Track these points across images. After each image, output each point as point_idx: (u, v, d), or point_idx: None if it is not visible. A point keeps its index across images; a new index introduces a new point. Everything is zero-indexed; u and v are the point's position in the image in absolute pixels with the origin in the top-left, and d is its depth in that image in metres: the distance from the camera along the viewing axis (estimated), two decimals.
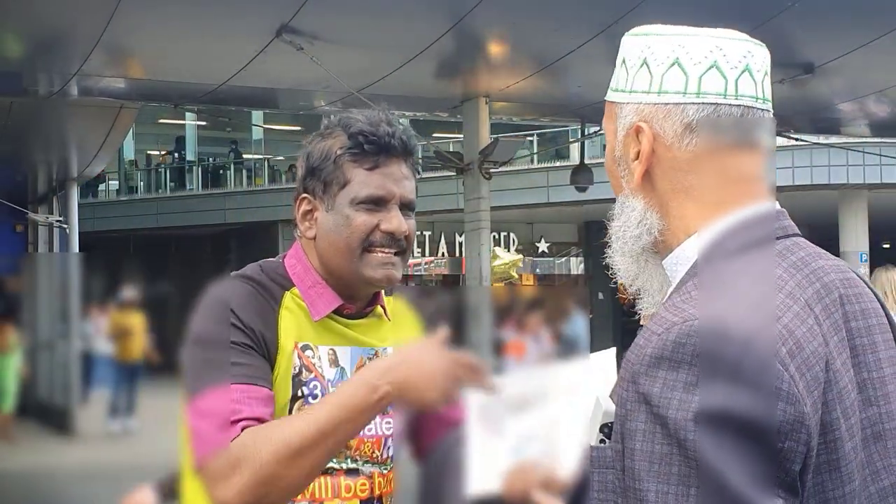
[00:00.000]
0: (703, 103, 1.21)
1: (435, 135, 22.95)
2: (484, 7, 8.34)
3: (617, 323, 26.08)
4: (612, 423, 1.14)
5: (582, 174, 14.95)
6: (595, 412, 1.20)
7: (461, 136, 12.57)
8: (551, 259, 28.15)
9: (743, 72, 1.22)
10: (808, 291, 1.13)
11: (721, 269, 1.14)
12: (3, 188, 16.46)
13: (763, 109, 1.23)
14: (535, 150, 23.20)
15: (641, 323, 1.68)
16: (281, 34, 8.78)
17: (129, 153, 29.70)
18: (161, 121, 29.46)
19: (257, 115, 24.75)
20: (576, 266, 28.44)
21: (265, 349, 1.81)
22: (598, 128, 14.69)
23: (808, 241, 1.23)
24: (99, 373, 12.37)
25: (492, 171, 11.54)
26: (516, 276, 18.46)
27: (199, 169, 29.10)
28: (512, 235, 26.79)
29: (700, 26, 1.28)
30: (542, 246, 27.86)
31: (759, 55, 1.24)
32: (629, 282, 1.34)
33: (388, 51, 9.64)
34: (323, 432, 1.62)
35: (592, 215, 25.63)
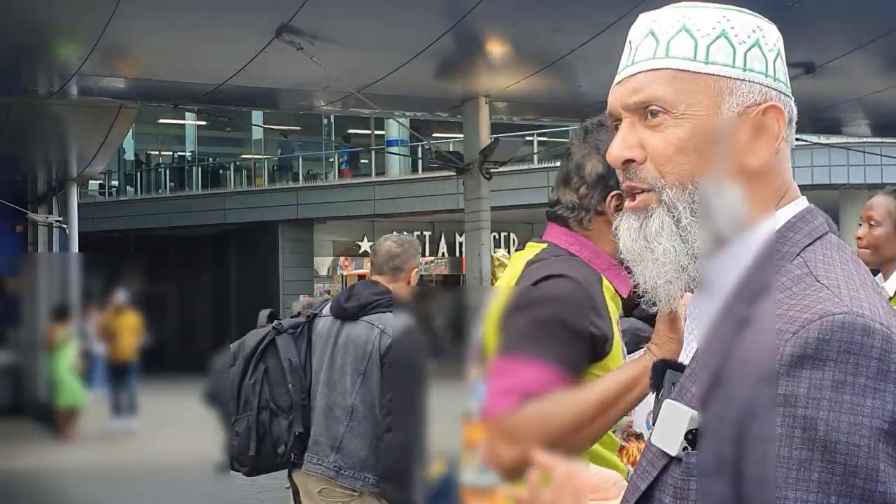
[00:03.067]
0: (785, 94, 1.18)
1: (435, 135, 22.96)
2: (484, 7, 8.34)
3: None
4: (695, 429, 1.08)
5: None
6: (674, 419, 1.12)
7: (461, 136, 12.56)
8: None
9: (776, 57, 1.20)
10: (874, 286, 1.12)
11: (808, 263, 1.10)
12: (3, 188, 16.46)
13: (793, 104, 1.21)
14: (536, 150, 23.20)
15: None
16: (281, 34, 8.79)
17: (129, 153, 29.70)
18: (161, 120, 29.46)
19: (257, 115, 24.75)
20: None
21: (599, 341, 2.06)
22: None
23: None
24: (99, 373, 12.36)
25: (492, 171, 11.54)
26: None
27: (199, 169, 29.09)
28: (512, 235, 26.79)
29: None
30: None
31: (782, 45, 1.21)
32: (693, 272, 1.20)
33: (388, 51, 9.64)
34: (606, 404, 1.91)
35: None
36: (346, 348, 3.91)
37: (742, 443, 1.01)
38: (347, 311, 3.96)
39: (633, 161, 1.21)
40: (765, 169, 1.15)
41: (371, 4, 8.49)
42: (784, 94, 1.17)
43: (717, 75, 1.16)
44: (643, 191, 1.20)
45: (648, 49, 1.21)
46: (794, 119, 1.19)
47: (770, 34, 1.19)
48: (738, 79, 1.16)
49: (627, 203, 1.22)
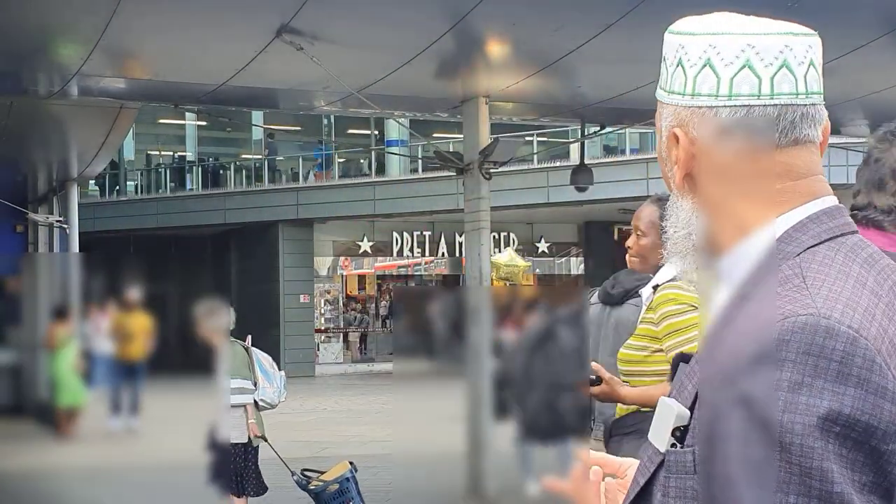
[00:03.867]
0: (735, 106, 1.18)
1: (435, 135, 22.96)
2: (484, 7, 8.34)
3: None
4: (683, 426, 1.10)
5: (582, 174, 14.94)
6: (664, 416, 1.14)
7: (461, 136, 12.56)
8: (551, 259, 28.14)
9: (780, 68, 1.19)
10: (885, 288, 1.10)
11: (801, 264, 1.10)
12: (3, 188, 16.46)
13: (805, 105, 1.21)
14: (536, 150, 23.20)
15: None
16: (281, 34, 8.79)
17: (129, 153, 29.70)
18: (161, 121, 29.46)
19: (257, 115, 24.75)
20: (576, 266, 28.42)
21: None
22: (598, 128, 14.70)
23: (864, 239, 1.20)
24: (99, 373, 12.38)
25: (492, 171, 11.54)
26: (523, 282, 18.46)
27: (199, 169, 29.09)
28: (512, 235, 26.79)
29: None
30: (542, 246, 27.86)
31: (799, 46, 1.21)
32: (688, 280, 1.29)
33: (388, 51, 9.64)
34: None
35: (592, 215, 25.66)
36: (617, 330, 4.19)
37: (710, 442, 1.03)
38: (614, 297, 4.28)
39: None
40: (724, 188, 1.18)
41: (371, 4, 8.49)
42: (707, 106, 1.19)
43: (658, 100, 1.29)
44: None
45: (661, 75, 1.32)
46: (732, 129, 1.18)
47: (692, 48, 1.22)
48: (664, 103, 1.26)
49: None
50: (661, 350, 3.73)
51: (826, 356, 0.99)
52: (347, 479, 6.71)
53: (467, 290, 10.63)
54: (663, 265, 3.69)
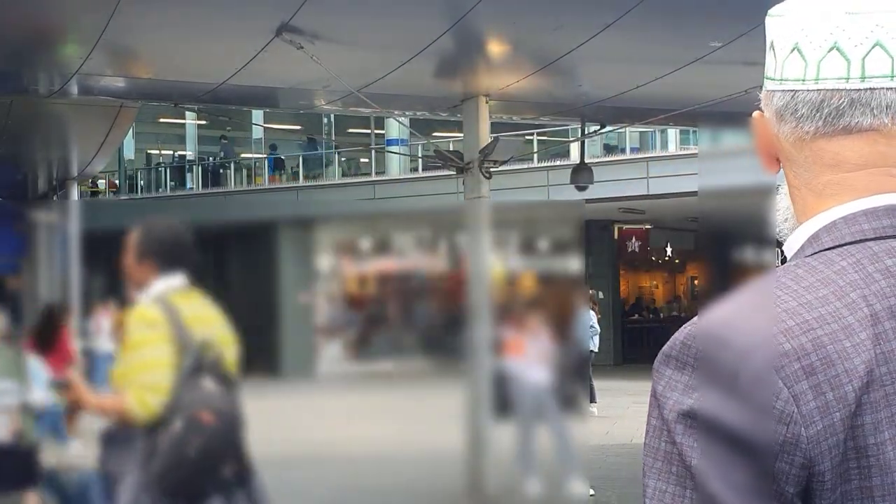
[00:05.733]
0: (784, 90, 1.15)
1: (435, 134, 22.95)
2: (484, 6, 8.34)
3: (617, 323, 26.09)
4: None
5: (582, 174, 14.93)
6: None
7: (461, 135, 12.56)
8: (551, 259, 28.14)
9: (830, 50, 1.13)
10: (889, 302, 1.04)
11: (788, 268, 1.08)
12: (4, 188, 16.47)
13: (857, 90, 1.12)
14: (535, 150, 23.19)
15: None
16: (281, 33, 8.78)
17: (129, 153, 29.71)
18: (161, 120, 29.46)
19: (257, 115, 24.75)
20: (576, 266, 28.42)
21: None
22: (599, 127, 14.70)
23: None
24: (100, 372, 12.40)
25: (492, 170, 11.54)
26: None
27: (199, 168, 29.09)
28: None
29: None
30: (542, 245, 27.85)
31: (857, 23, 1.13)
32: None
33: (388, 50, 9.64)
34: None
35: (592, 215, 25.65)
36: None
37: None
38: None
39: None
40: (790, 174, 1.15)
41: (371, 4, 8.49)
42: (790, 90, 1.15)
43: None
44: None
45: None
46: (795, 111, 1.14)
47: (778, 27, 1.17)
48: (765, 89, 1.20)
49: None
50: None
51: (716, 366, 1.00)
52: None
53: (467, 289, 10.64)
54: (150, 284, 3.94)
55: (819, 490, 0.99)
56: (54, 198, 17.85)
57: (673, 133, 22.31)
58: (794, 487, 0.98)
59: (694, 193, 14.92)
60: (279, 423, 10.10)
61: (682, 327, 1.05)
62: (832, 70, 1.12)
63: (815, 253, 1.09)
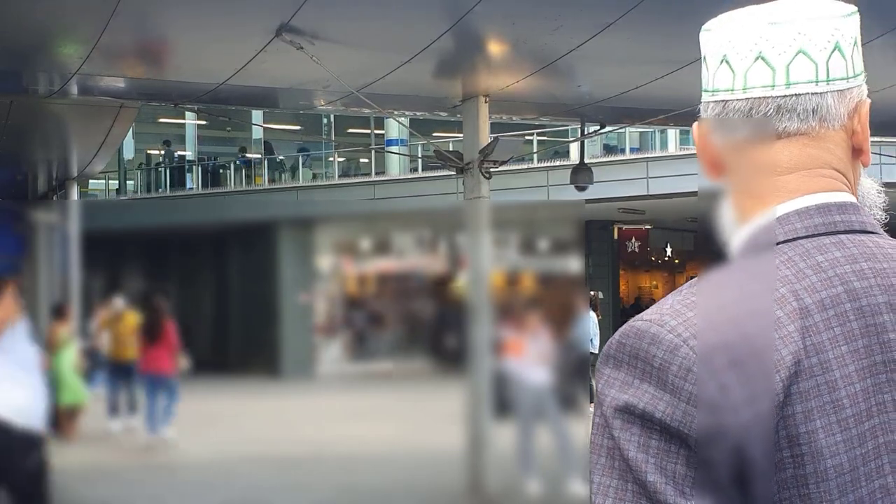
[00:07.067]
0: (716, 101, 1.20)
1: (435, 134, 22.95)
2: (483, 6, 8.34)
3: (617, 323, 26.07)
4: None
5: (582, 174, 14.95)
6: None
7: (461, 135, 12.57)
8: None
9: (756, 60, 1.16)
10: (819, 296, 1.08)
11: (722, 269, 1.13)
12: (4, 188, 16.47)
13: (784, 96, 1.15)
14: (535, 150, 23.19)
15: None
16: (281, 33, 8.79)
17: (129, 153, 29.71)
18: (161, 120, 29.46)
19: (257, 115, 24.77)
20: (576, 266, 28.42)
21: None
22: (598, 127, 14.70)
23: (876, 239, 1.15)
24: (99, 372, 12.39)
25: (491, 170, 11.54)
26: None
27: (199, 169, 29.10)
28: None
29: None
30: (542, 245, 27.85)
31: (780, 33, 1.16)
32: None
33: (388, 51, 9.64)
34: None
35: (592, 215, 25.65)
36: None
37: None
38: None
39: None
40: (726, 181, 1.19)
41: (371, 4, 8.49)
42: (720, 101, 1.19)
43: None
44: None
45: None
46: (720, 125, 1.19)
47: (709, 42, 1.21)
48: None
49: None
50: None
51: (648, 361, 1.05)
52: None
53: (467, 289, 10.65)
54: None
55: (752, 477, 1.02)
56: (54, 198, 17.85)
57: (673, 133, 22.30)
58: (727, 475, 1.01)
59: (694, 193, 14.91)
60: (279, 423, 10.10)
61: (620, 328, 1.10)
62: (758, 79, 1.16)
63: (751, 253, 1.13)
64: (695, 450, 1.01)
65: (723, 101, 1.19)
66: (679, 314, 1.07)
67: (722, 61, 1.19)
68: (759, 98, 1.16)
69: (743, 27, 1.17)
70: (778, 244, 1.13)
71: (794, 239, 1.13)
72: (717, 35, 1.20)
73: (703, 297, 1.09)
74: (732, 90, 1.18)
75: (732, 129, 1.18)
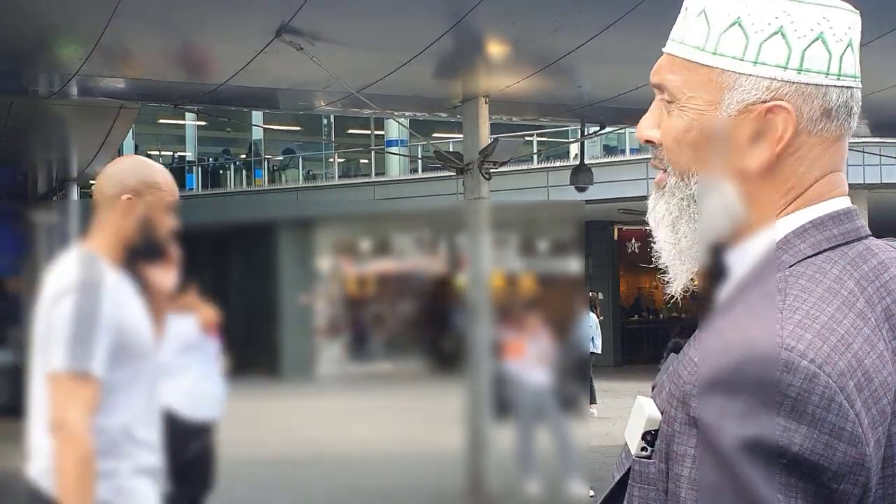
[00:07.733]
0: (843, 87, 1.07)
1: (435, 135, 22.96)
2: (484, 7, 8.34)
3: (617, 323, 26.07)
4: (655, 430, 1.06)
5: (582, 174, 14.94)
6: (637, 416, 1.09)
7: (461, 136, 12.57)
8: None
9: (847, 47, 1.08)
10: (878, 309, 1.02)
11: (788, 279, 1.03)
12: (4, 188, 16.47)
13: (850, 87, 1.09)
14: (535, 150, 23.20)
15: None
16: (281, 34, 8.79)
17: (128, 153, 29.72)
18: (161, 121, 29.46)
19: (257, 115, 24.78)
20: (576, 267, 28.43)
21: None
22: (598, 127, 14.70)
23: (881, 243, 1.11)
24: None
25: (491, 171, 11.54)
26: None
27: (199, 169, 29.09)
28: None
29: None
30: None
31: (838, 17, 1.08)
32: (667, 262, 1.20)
33: (388, 51, 9.64)
34: None
35: (592, 216, 25.66)
36: None
37: (667, 459, 1.01)
38: None
39: (651, 142, 1.21)
40: (769, 171, 1.07)
41: (371, 4, 8.49)
42: (815, 84, 1.06)
43: (722, 69, 1.09)
44: (662, 171, 1.20)
45: (677, 30, 1.16)
46: (836, 111, 1.07)
47: (800, 17, 1.07)
48: (742, 73, 1.07)
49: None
50: None
51: (781, 391, 0.94)
52: None
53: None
54: None
55: None
56: (54, 198, 17.84)
57: None
58: None
59: None
60: (279, 424, 10.10)
61: (717, 349, 0.98)
62: (850, 67, 1.09)
63: (800, 262, 1.05)
64: (829, 483, 0.94)
65: (850, 87, 1.08)
66: (800, 337, 0.96)
67: (848, 45, 1.08)
68: (852, 88, 1.08)
69: (811, 10, 1.07)
70: (824, 251, 1.05)
71: (836, 246, 1.06)
72: (806, 12, 1.07)
73: (796, 315, 0.99)
74: (827, 74, 1.07)
75: (848, 120, 1.08)
